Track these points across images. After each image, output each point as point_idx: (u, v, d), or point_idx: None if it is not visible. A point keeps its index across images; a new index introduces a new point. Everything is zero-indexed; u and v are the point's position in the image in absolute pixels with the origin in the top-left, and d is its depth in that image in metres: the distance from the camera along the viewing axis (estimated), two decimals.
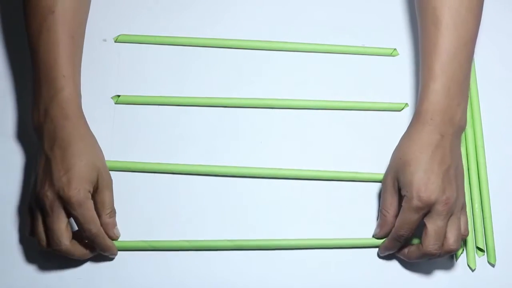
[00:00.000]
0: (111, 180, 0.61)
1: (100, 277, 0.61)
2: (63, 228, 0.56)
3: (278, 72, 0.70)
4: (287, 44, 0.70)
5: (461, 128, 0.61)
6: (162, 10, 0.71)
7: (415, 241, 0.62)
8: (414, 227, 0.59)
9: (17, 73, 0.68)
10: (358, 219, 0.64)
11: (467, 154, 0.67)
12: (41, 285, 0.61)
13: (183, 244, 0.62)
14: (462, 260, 0.64)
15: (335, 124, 0.68)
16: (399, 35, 0.72)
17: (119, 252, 0.62)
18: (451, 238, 0.59)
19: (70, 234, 0.58)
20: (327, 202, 0.65)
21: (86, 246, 0.59)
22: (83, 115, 0.60)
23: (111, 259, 0.62)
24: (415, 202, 0.58)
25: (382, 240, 0.62)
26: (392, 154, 0.63)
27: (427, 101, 0.60)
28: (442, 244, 0.59)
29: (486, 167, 0.66)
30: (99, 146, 0.61)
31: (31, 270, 0.61)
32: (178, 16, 0.71)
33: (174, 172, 0.65)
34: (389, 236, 0.61)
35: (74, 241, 0.58)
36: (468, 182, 0.66)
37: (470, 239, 0.64)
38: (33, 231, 0.58)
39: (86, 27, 0.66)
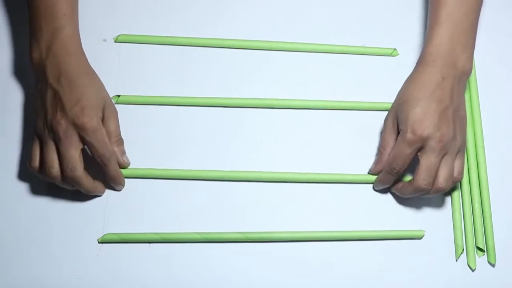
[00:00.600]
0: (116, 111, 0.64)
1: (100, 277, 0.61)
2: (77, 155, 0.58)
3: (278, 72, 0.70)
4: (287, 44, 0.70)
5: (465, 73, 0.63)
6: (162, 10, 0.71)
7: (408, 178, 0.64)
8: (407, 161, 0.61)
9: (18, 74, 0.68)
10: (358, 219, 0.65)
11: (467, 154, 0.67)
12: (41, 285, 0.61)
13: (195, 236, 0.62)
14: (462, 260, 0.64)
15: (335, 124, 0.68)
16: (399, 35, 0.72)
17: (119, 251, 0.62)
18: (441, 177, 0.60)
19: (83, 163, 0.59)
20: (327, 203, 0.65)
21: (93, 181, 0.62)
22: (84, 52, 0.63)
23: (112, 258, 0.62)
24: (409, 136, 0.59)
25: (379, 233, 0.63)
26: (395, 98, 0.65)
27: (431, 45, 0.62)
28: (433, 182, 0.60)
29: (486, 167, 0.66)
30: (100, 80, 0.63)
31: (31, 269, 0.61)
32: (178, 16, 0.71)
33: (174, 177, 0.65)
34: (383, 170, 0.63)
35: (85, 172, 0.60)
36: (468, 182, 0.66)
37: (470, 239, 0.64)
38: (41, 162, 0.60)
39: (86, 27, 0.66)
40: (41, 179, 0.61)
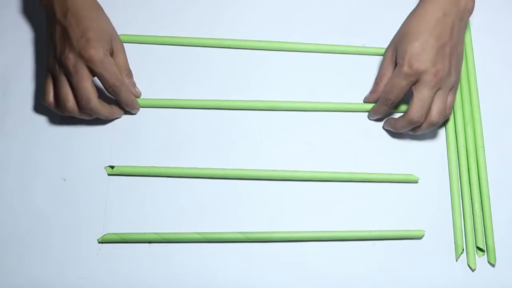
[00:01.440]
0: (123, 45, 0.65)
1: (101, 277, 0.61)
2: (89, 86, 0.60)
3: (281, 72, 0.69)
4: (293, 44, 0.70)
5: (467, 11, 0.64)
6: (162, 10, 0.71)
7: (403, 107, 0.67)
8: (402, 93, 0.63)
9: (18, 73, 0.68)
10: (358, 219, 0.65)
11: (467, 154, 0.67)
12: (41, 285, 0.61)
13: (195, 236, 0.62)
14: (462, 260, 0.64)
15: (335, 125, 0.68)
16: None
17: (119, 251, 0.62)
18: (434, 110, 0.62)
19: (96, 93, 0.61)
20: (328, 202, 0.65)
21: (109, 107, 0.64)
22: None
23: (112, 258, 0.62)
24: (405, 69, 0.61)
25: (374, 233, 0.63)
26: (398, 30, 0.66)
27: None
28: (426, 115, 0.62)
29: (486, 167, 0.66)
30: (106, 15, 0.64)
31: (32, 269, 0.61)
32: (179, 16, 0.71)
33: (175, 175, 0.65)
34: (379, 100, 0.65)
35: (100, 100, 0.62)
36: (468, 182, 0.66)
37: (470, 239, 0.64)
38: (56, 98, 0.61)
39: None
40: (58, 113, 0.63)
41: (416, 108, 0.62)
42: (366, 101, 0.68)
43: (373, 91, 0.67)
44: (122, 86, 0.62)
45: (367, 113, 0.68)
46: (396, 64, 0.64)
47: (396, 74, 0.63)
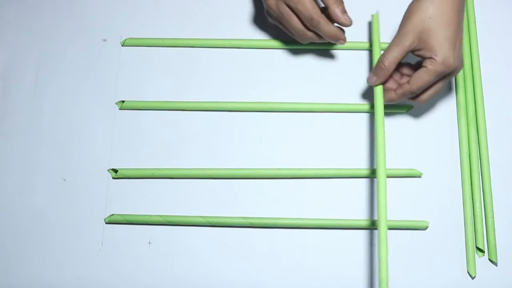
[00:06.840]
0: None
1: (101, 277, 0.61)
2: (296, 21, 0.63)
3: (280, 71, 0.69)
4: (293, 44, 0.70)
5: None
6: (163, 12, 0.71)
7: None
8: (427, 86, 0.61)
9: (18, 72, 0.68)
10: (360, 213, 0.64)
11: (469, 155, 0.66)
12: (41, 285, 0.61)
13: (199, 220, 0.63)
14: (462, 260, 0.64)
15: (337, 125, 0.68)
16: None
17: (119, 251, 0.62)
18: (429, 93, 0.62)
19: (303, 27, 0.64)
20: (329, 199, 0.65)
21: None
22: None
23: (112, 258, 0.62)
24: (441, 67, 0.59)
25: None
26: (413, 13, 0.60)
27: None
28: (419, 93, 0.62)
29: (489, 166, 0.66)
30: None
31: (31, 269, 0.61)
32: (179, 19, 0.71)
33: (178, 177, 0.65)
34: (401, 93, 0.62)
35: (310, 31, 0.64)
36: (470, 183, 0.66)
37: (470, 238, 0.63)
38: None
39: (89, 29, 0.66)
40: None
41: (427, 95, 0.62)
42: (371, 83, 0.63)
43: (379, 73, 0.62)
44: (319, 18, 0.62)
45: (367, 113, 0.68)
46: (411, 51, 0.60)
47: (429, 71, 0.59)
